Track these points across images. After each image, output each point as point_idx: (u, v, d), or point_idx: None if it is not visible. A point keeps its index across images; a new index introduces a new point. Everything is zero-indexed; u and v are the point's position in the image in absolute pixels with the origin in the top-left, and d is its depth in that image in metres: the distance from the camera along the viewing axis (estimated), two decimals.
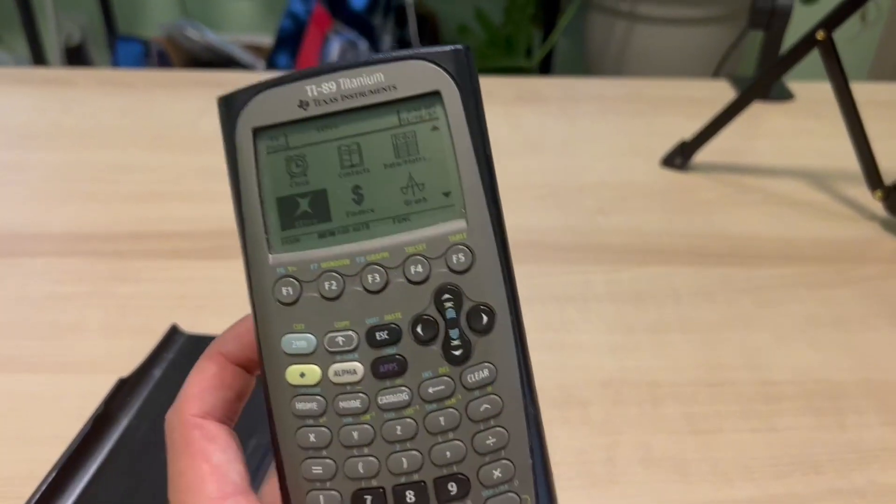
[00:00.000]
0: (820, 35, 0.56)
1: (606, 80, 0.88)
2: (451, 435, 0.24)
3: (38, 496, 0.34)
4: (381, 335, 0.23)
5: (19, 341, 0.45)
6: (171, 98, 0.76)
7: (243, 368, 0.24)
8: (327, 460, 0.23)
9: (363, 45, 1.64)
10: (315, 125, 0.24)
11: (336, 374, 0.23)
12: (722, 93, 0.78)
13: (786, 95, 0.79)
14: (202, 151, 0.66)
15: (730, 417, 0.42)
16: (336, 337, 0.23)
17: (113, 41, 1.91)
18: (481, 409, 0.24)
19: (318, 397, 0.23)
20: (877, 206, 0.59)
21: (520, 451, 0.24)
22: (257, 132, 0.24)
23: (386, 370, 0.23)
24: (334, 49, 1.59)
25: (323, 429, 0.23)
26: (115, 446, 0.37)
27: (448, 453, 0.24)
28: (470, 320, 0.24)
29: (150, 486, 0.36)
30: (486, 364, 0.24)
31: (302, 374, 0.23)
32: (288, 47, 1.63)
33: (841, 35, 0.57)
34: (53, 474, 0.35)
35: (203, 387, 0.24)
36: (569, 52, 2.02)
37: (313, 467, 0.23)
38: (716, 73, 1.05)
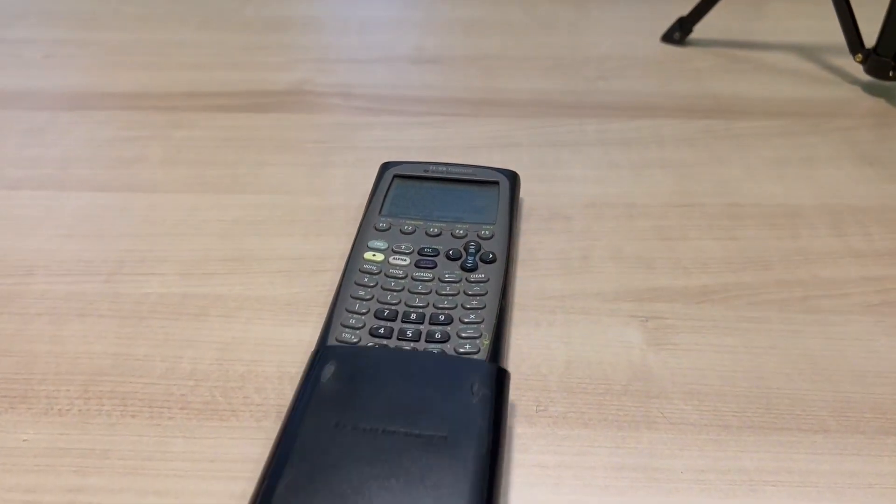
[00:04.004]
0: None
1: None
2: (451, 297, 0.38)
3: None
4: (427, 250, 0.40)
5: (90, 169, 0.53)
6: None
7: None
8: (371, 289, 0.38)
9: None
10: (429, 178, 0.47)
11: (393, 258, 0.40)
12: None
13: None
14: (242, 32, 0.74)
15: (695, 229, 0.47)
16: (401, 246, 0.41)
17: None
18: (474, 289, 0.38)
19: (379, 265, 0.40)
20: (858, 71, 0.64)
21: (490, 314, 0.37)
22: (396, 175, 0.47)
23: (422, 264, 0.40)
24: None
25: (375, 277, 0.39)
26: None
27: (446, 302, 0.37)
28: (481, 256, 0.40)
29: None
30: (484, 273, 0.39)
31: (374, 255, 0.40)
32: None
33: None
34: None
35: None
36: None
37: (360, 290, 0.38)
38: None
